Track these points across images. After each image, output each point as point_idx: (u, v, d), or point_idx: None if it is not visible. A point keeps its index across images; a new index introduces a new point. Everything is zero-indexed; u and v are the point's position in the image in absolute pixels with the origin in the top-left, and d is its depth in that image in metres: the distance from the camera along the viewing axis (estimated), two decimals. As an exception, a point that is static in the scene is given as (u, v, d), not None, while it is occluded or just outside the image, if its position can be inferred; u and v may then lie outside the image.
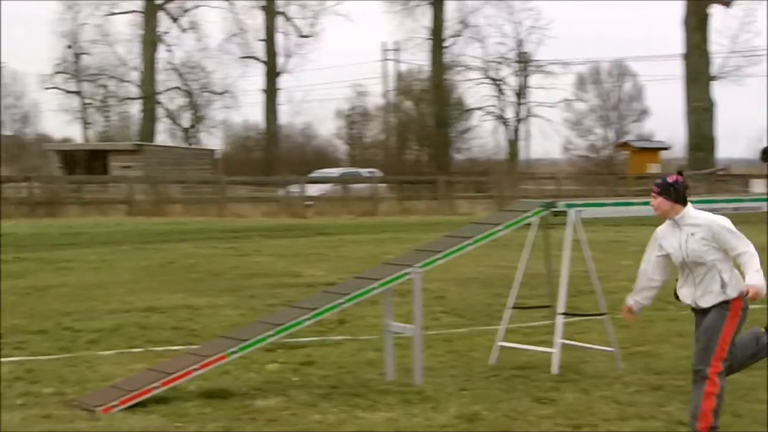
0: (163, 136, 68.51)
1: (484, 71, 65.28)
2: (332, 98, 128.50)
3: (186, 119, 72.65)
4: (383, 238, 25.44)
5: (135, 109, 68.92)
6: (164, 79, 68.03)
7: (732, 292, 7.05)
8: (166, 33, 65.68)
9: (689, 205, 7.21)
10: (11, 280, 16.35)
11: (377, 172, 45.53)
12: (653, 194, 7.23)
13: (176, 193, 36.58)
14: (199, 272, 17.69)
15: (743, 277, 7.03)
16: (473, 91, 67.16)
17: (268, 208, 36.54)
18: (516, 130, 66.93)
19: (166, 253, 20.99)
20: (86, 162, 42.45)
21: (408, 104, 67.46)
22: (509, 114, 67.17)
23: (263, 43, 64.09)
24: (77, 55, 70.72)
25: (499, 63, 65.60)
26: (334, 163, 62.20)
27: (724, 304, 7.05)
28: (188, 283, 16.32)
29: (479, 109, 65.58)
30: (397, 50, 66.44)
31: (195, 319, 12.71)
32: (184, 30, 66.54)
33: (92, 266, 18.66)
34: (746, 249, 7.02)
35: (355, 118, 73.83)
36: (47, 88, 71.10)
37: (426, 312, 10.05)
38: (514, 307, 10.03)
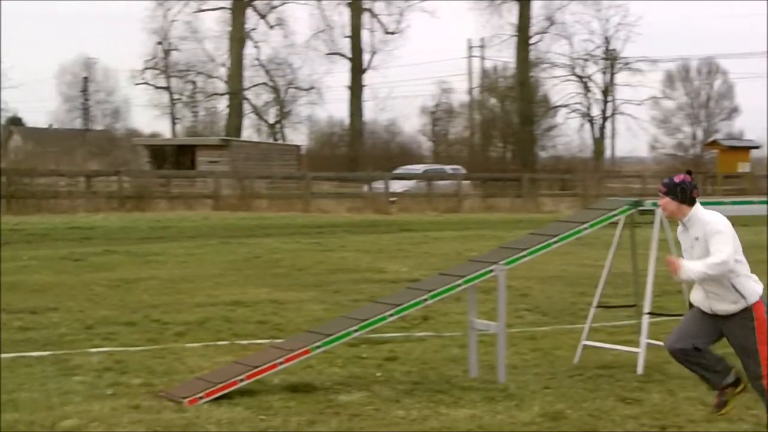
0: (249, 131, 69.14)
1: (570, 68, 64.81)
2: (417, 95, 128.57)
3: (272, 115, 73.24)
4: (467, 235, 25.40)
5: (222, 104, 69.61)
6: (251, 75, 68.61)
7: (751, 296, 6.88)
8: (253, 29, 66.24)
9: (697, 206, 7.03)
10: (102, 273, 16.66)
11: (461, 169, 45.41)
12: (660, 194, 7.08)
13: (262, 189, 36.87)
14: (283, 267, 17.84)
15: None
16: (559, 88, 66.69)
17: (353, 204, 36.68)
18: (602, 128, 66.34)
19: (252, 248, 21.20)
20: (174, 157, 43.02)
21: (493, 101, 67.21)
22: (595, 111, 66.60)
23: (349, 39, 64.30)
24: (167, 52, 71.67)
25: (586, 60, 65.07)
26: (418, 159, 62.16)
27: (745, 314, 6.87)
28: (273, 277, 16.47)
29: (565, 106, 65.14)
30: (482, 47, 66.25)
31: (280, 313, 12.83)
32: (271, 26, 67.04)
33: (179, 260, 18.91)
34: (717, 254, 6.76)
35: (439, 115, 73.82)
36: (137, 84, 72.18)
37: (510, 310, 10.03)
38: (598, 306, 9.96)
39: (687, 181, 7.04)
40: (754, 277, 6.94)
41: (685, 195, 7.00)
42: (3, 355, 9.88)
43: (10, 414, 7.59)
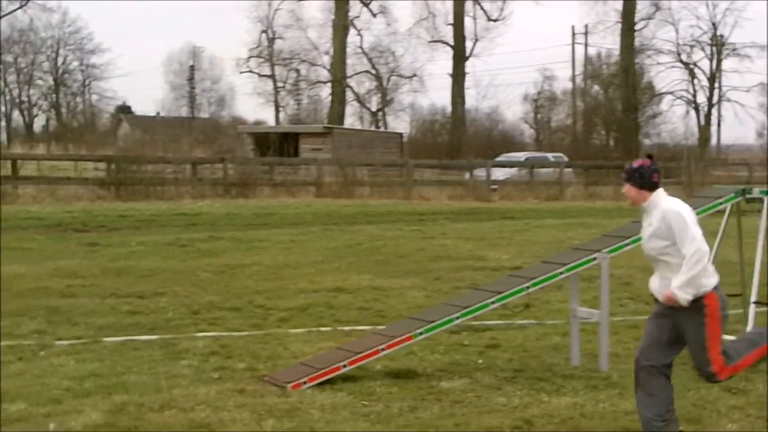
0: (351, 119, 69.63)
1: (675, 55, 63.83)
2: (519, 82, 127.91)
3: (374, 103, 73.57)
4: (568, 223, 25.21)
5: (325, 92, 70.14)
6: (354, 63, 69.04)
7: (702, 287, 6.52)
8: (356, 17, 66.58)
9: (659, 191, 6.73)
10: (207, 258, 16.94)
11: (563, 157, 45.05)
12: (623, 180, 6.83)
13: (364, 176, 37.03)
14: (385, 254, 17.93)
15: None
16: (664, 75, 66.03)
17: (454, 192, 36.64)
18: (707, 115, 65.23)
19: (353, 235, 21.34)
20: (278, 144, 43.40)
21: (596, 88, 66.55)
22: (701, 98, 65.52)
23: (452, 26, 64.19)
24: (271, 40, 72.50)
25: (692, 46, 64.01)
26: (519, 147, 61.92)
27: (695, 305, 6.52)
28: (375, 264, 16.56)
29: (670, 93, 64.19)
30: (586, 34, 65.59)
31: (381, 299, 12.90)
32: (374, 14, 67.32)
33: (282, 246, 19.12)
34: (691, 251, 6.44)
35: (542, 103, 73.36)
36: (242, 72, 73.18)
37: (612, 298, 9.94)
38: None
39: (646, 165, 6.76)
40: (710, 268, 6.59)
41: (644, 180, 6.71)
42: (112, 339, 10.14)
43: (120, 396, 7.79)
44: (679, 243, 6.52)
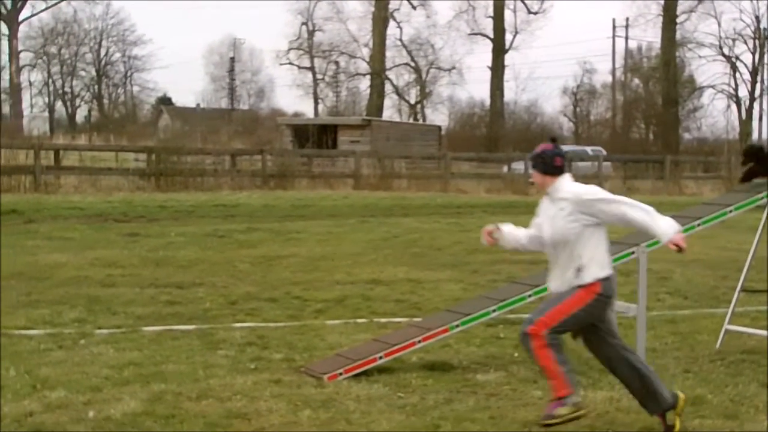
0: (390, 111, 69.69)
1: (717, 48, 63.33)
2: (558, 76, 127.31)
3: (413, 95, 73.56)
4: (607, 217, 25.06)
5: (364, 84, 70.27)
6: (393, 55, 69.08)
7: (587, 278, 6.47)
8: (396, 10, 66.60)
9: (564, 177, 6.61)
10: (245, 249, 17.03)
11: (602, 151, 44.85)
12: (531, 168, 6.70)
13: (401, 168, 37.07)
14: (421, 246, 17.94)
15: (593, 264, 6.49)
16: (705, 68, 65.59)
17: (492, 185, 36.59)
18: (749, 109, 64.68)
19: (390, 227, 21.36)
20: (316, 136, 43.51)
21: (636, 82, 66.16)
22: (743, 92, 64.96)
23: (491, 19, 64.05)
24: (311, 32, 72.63)
25: (734, 39, 63.48)
26: (558, 140, 61.67)
27: (580, 285, 6.49)
28: (411, 257, 16.57)
29: (711, 87, 63.70)
30: (627, 27, 65.22)
31: (417, 292, 12.92)
32: (414, 7, 67.32)
33: (320, 238, 19.18)
34: (625, 207, 6.49)
35: (581, 96, 73.03)
36: (282, 64, 73.44)
37: (649, 293, 9.90)
38: (743, 290, 9.77)
39: (548, 149, 6.65)
40: (606, 262, 6.55)
41: (546, 165, 6.61)
42: (151, 328, 10.23)
43: (158, 385, 7.86)
44: (609, 209, 6.47)
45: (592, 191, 6.57)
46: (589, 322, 6.63)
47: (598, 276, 6.49)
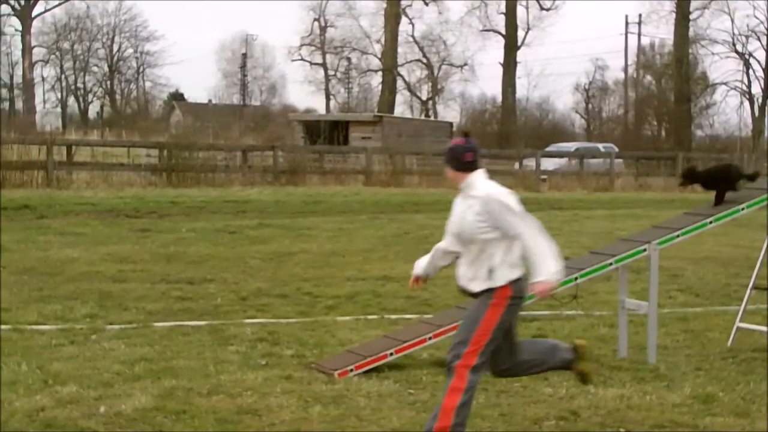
0: (402, 108, 69.72)
1: (731, 45, 63.15)
2: (571, 72, 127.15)
3: (425, 92, 73.55)
4: (618, 214, 25.07)
5: (376, 81, 70.32)
6: (405, 51, 69.08)
7: (499, 280, 6.22)
8: (408, 6, 66.59)
9: (477, 173, 6.33)
10: (256, 245, 17.04)
11: (614, 148, 44.77)
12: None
13: (413, 165, 37.04)
14: (433, 243, 17.69)
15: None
16: (718, 65, 65.37)
17: (503, 181, 35.83)
18: (762, 107, 64.45)
19: (401, 224, 21.36)
20: (328, 132, 43.52)
21: (649, 79, 66.03)
22: (756, 89, 64.77)
23: (504, 16, 63.98)
24: (323, 28, 72.69)
25: (748, 36, 63.30)
26: (570, 137, 61.66)
27: (489, 292, 6.25)
28: (422, 253, 16.39)
29: (723, 84, 63.53)
30: (640, 23, 65.09)
31: (428, 288, 12.85)
32: (426, 3, 67.27)
33: (330, 234, 19.18)
34: (527, 229, 6.19)
35: (593, 93, 72.92)
36: (294, 60, 73.57)
37: (661, 290, 9.89)
38: (755, 288, 9.74)
39: (459, 145, 6.38)
40: (517, 262, 6.30)
41: (456, 161, 6.33)
42: (162, 324, 10.25)
43: (169, 380, 7.87)
44: (507, 227, 6.19)
45: (504, 198, 6.31)
46: (509, 328, 6.44)
47: (509, 278, 6.26)
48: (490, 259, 6.26)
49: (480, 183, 6.36)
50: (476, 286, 6.34)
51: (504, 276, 6.25)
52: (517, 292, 6.29)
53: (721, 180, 9.20)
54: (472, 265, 6.34)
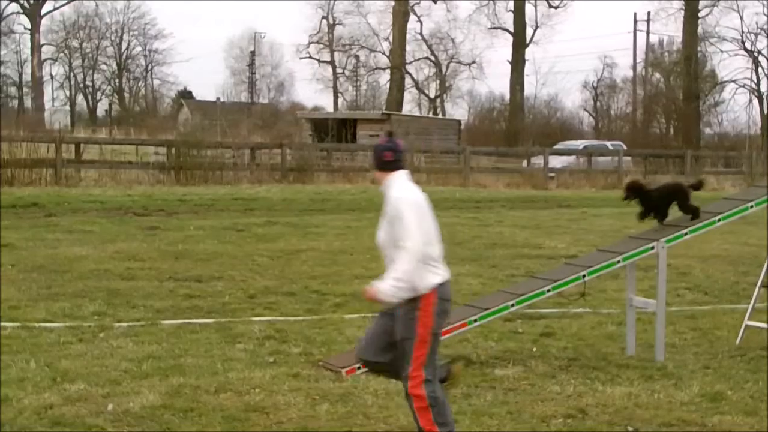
0: (410, 105, 69.68)
1: (739, 42, 62.98)
2: (579, 70, 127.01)
3: (433, 89, 73.50)
4: (626, 212, 24.86)
5: (384, 79, 70.30)
6: (413, 49, 69.05)
7: (422, 286, 6.03)
8: (417, 4, 66.56)
9: (396, 174, 6.17)
10: (263, 243, 17.04)
11: (622, 145, 44.69)
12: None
13: (421, 163, 37.01)
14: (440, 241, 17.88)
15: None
16: (727, 63, 65.23)
17: (511, 179, 36.52)
18: (772, 104, 64.26)
19: (410, 222, 21.30)
20: (336, 130, 43.50)
21: (657, 76, 65.91)
22: (764, 87, 64.62)
23: (512, 13, 63.92)
24: (331, 26, 72.70)
25: (757, 34, 63.09)
26: (578, 135, 61.58)
27: (412, 303, 6.03)
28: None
29: (732, 81, 63.35)
30: (648, 21, 64.98)
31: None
32: (435, 1, 67.19)
33: (338, 232, 19.17)
34: (405, 245, 5.93)
35: (601, 90, 72.81)
36: (302, 58, 73.56)
37: (669, 288, 9.88)
38: (764, 286, 9.72)
39: (379, 144, 6.24)
40: (437, 266, 6.13)
41: (377, 160, 6.19)
42: (170, 322, 10.25)
43: (177, 378, 7.88)
44: (396, 237, 6.00)
45: (401, 204, 6.06)
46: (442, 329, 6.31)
47: (432, 283, 6.08)
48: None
49: (396, 185, 6.18)
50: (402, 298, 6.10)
51: (427, 282, 6.06)
52: (443, 294, 6.13)
53: (672, 199, 9.13)
54: (389, 272, 6.11)
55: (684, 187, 9.25)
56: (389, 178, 6.22)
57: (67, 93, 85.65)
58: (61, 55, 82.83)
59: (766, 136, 59.71)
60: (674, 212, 9.24)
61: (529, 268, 14.23)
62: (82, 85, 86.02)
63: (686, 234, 8.92)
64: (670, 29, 67.92)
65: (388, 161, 6.22)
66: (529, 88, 68.00)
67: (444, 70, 72.13)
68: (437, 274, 6.12)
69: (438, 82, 72.95)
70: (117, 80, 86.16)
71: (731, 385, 7.94)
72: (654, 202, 9.15)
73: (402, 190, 6.14)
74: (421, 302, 6.07)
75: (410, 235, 5.96)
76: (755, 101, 63.79)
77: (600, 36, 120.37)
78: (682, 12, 58.70)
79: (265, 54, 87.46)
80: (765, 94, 63.62)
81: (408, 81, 68.92)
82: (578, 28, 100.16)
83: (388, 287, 5.96)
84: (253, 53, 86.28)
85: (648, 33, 65.87)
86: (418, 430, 6.15)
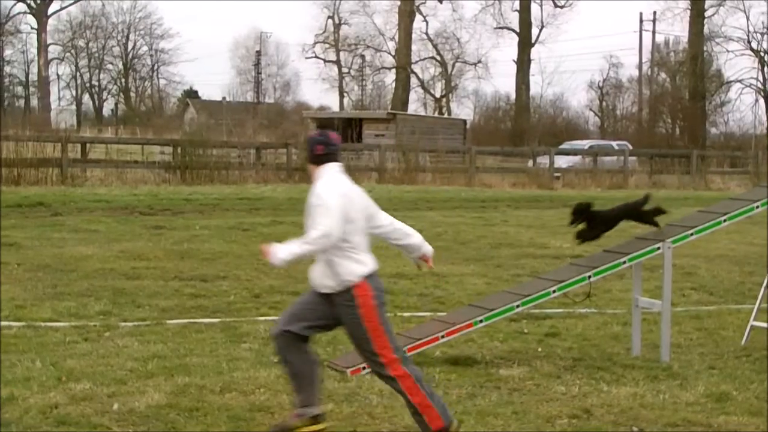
0: (415, 105, 69.67)
1: (746, 42, 62.90)
2: (585, 70, 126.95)
3: (438, 89, 73.49)
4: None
5: (389, 78, 70.32)
6: (419, 49, 69.06)
7: (346, 277, 6.16)
8: (423, 3, 66.57)
9: (325, 167, 6.23)
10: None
11: (628, 145, 44.65)
12: None
13: (426, 162, 37.01)
14: (446, 240, 17.90)
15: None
16: (733, 62, 65.19)
17: (516, 179, 36.51)
18: (777, 104, 64.17)
19: (414, 221, 21.26)
20: (341, 130, 43.52)
21: (663, 76, 65.85)
22: (771, 87, 64.45)
23: (518, 13, 63.91)
24: (337, 26, 72.73)
25: (763, 34, 63.02)
26: (583, 134, 61.55)
27: (348, 299, 6.18)
28: (435, 250, 16.43)
29: (738, 81, 63.27)
30: (654, 20, 64.94)
31: (441, 286, 12.91)
32: (440, 0, 67.20)
33: (344, 231, 19.14)
34: (311, 230, 6.08)
35: (607, 90, 72.77)
36: (308, 58, 73.61)
37: (674, 288, 9.87)
38: (769, 287, 9.71)
39: (310, 137, 6.32)
40: (362, 257, 6.20)
41: (309, 152, 6.28)
42: (175, 321, 10.27)
43: (182, 378, 7.89)
44: (310, 225, 6.08)
45: (317, 196, 6.16)
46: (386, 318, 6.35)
47: (358, 272, 6.20)
48: (330, 254, 6.18)
49: (323, 177, 6.23)
50: (326, 286, 6.28)
51: (349, 271, 6.17)
52: (376, 284, 6.26)
53: (628, 218, 9.05)
54: (318, 263, 6.29)
55: (634, 206, 9.15)
56: (318, 171, 6.27)
57: (74, 92, 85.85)
58: (68, 54, 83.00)
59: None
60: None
61: (534, 267, 14.23)
62: (88, 85, 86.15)
63: (692, 234, 8.91)
64: (676, 29, 67.96)
65: (319, 155, 6.29)
66: (534, 88, 68.25)
67: (449, 69, 72.13)
68: (363, 264, 6.21)
69: (443, 81, 72.94)
70: (123, 80, 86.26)
71: (737, 385, 7.94)
72: (603, 224, 9.02)
73: (325, 185, 6.20)
74: (359, 300, 6.20)
75: (322, 220, 6.05)
76: (761, 101, 63.71)
77: (606, 36, 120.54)
78: (688, 12, 58.65)
79: (270, 54, 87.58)
80: (771, 93, 63.57)
81: (413, 81, 68.96)
82: (584, 27, 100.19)
83: (281, 251, 6.14)
84: (258, 53, 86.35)
85: (654, 33, 65.92)
86: (413, 411, 6.27)
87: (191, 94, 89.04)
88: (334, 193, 6.16)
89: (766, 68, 63.53)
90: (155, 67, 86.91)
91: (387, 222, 6.61)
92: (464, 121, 51.82)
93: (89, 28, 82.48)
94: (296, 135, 46.48)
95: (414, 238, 6.76)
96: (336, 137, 6.38)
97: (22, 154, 28.86)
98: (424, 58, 71.05)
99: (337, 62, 74.98)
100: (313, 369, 6.53)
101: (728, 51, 63.40)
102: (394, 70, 66.97)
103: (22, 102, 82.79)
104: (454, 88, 73.30)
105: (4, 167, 27.94)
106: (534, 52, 64.22)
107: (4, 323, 9.84)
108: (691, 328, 10.28)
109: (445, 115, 65.56)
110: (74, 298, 11.42)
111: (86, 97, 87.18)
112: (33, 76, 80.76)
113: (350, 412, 7.14)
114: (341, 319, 6.31)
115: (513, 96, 65.30)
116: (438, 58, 71.68)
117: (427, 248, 6.83)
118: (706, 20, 59.05)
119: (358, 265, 6.21)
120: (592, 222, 8.99)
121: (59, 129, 47.73)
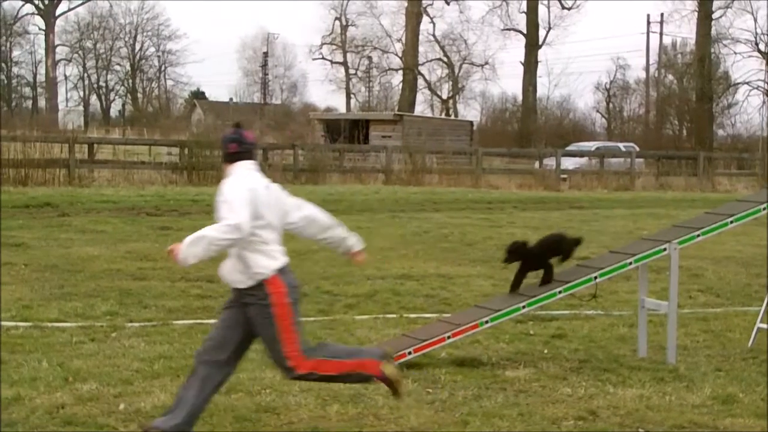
0: (422, 106, 69.71)
1: (753, 44, 62.81)
2: (592, 71, 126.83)
3: (445, 91, 73.49)
4: (638, 213, 24.98)
5: (396, 80, 70.35)
6: (426, 50, 69.09)
7: (258, 271, 6.09)
8: (430, 5, 66.58)
9: (237, 165, 6.16)
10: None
11: (635, 147, 44.63)
12: None
13: (433, 164, 37.01)
14: (452, 242, 17.91)
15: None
16: (740, 64, 65.13)
17: (523, 180, 36.50)
18: (785, 106, 64.05)
19: (421, 222, 21.34)
20: (348, 131, 43.53)
21: (670, 78, 65.80)
22: (778, 88, 64.33)
23: (525, 15, 63.89)
24: (344, 27, 72.77)
25: (770, 35, 62.91)
26: (590, 136, 61.50)
27: (260, 293, 6.10)
28: (441, 252, 16.55)
29: (746, 83, 63.18)
30: (662, 22, 64.87)
31: (447, 287, 12.91)
32: (448, 2, 67.22)
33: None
34: (220, 219, 5.96)
35: (614, 92, 72.71)
36: (315, 59, 73.69)
37: (681, 290, 9.86)
38: (775, 289, 9.70)
39: (225, 135, 6.26)
40: (274, 251, 6.16)
41: (223, 150, 6.24)
42: (182, 322, 10.28)
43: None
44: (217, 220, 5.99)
45: (222, 192, 6.09)
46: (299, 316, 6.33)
47: (271, 267, 6.15)
48: (243, 251, 6.10)
49: (233, 175, 6.16)
50: (238, 282, 6.19)
51: (261, 266, 6.11)
52: (289, 280, 6.22)
53: (555, 251, 8.99)
54: (229, 259, 6.20)
55: (562, 242, 9.09)
56: (230, 169, 6.22)
57: (81, 93, 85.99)
58: (75, 55, 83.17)
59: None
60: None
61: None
62: (95, 86, 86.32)
63: (698, 235, 8.90)
64: (683, 31, 67.91)
65: (232, 153, 6.22)
66: (541, 89, 68.06)
67: (456, 71, 72.13)
68: (274, 258, 6.15)
69: (450, 83, 72.95)
70: (130, 81, 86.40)
71: (743, 387, 7.93)
72: (536, 258, 8.98)
73: (232, 182, 6.12)
74: (273, 298, 6.15)
75: (228, 215, 5.95)
76: (769, 103, 63.59)
77: (613, 37, 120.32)
78: (696, 13, 58.62)
79: (278, 55, 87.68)
80: (778, 95, 63.46)
81: (420, 82, 68.95)
82: (591, 29, 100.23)
83: (183, 244, 6.03)
84: (266, 54, 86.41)
85: (661, 34, 65.83)
86: (349, 381, 6.40)
87: (198, 95, 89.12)
88: (241, 188, 6.07)
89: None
90: (162, 68, 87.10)
91: (298, 218, 6.54)
92: (471, 123, 51.81)
93: (97, 29, 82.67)
94: (303, 136, 46.54)
95: (334, 231, 6.69)
96: (251, 136, 6.34)
97: (29, 154, 28.91)
98: (431, 60, 71.14)
99: (344, 63, 75.02)
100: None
101: (735, 53, 63.37)
102: (401, 72, 66.98)
103: (29, 103, 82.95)
104: (461, 90, 73.31)
105: (11, 168, 28.00)
106: (541, 54, 64.26)
107: (11, 323, 9.86)
108: (697, 329, 10.27)
109: (452, 117, 65.57)
110: (81, 298, 11.44)
111: (94, 98, 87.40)
112: (41, 77, 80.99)
113: (356, 413, 7.14)
114: (252, 320, 6.22)
115: (520, 97, 65.28)
116: (445, 59, 71.70)
117: (352, 242, 6.73)
118: (713, 22, 59.03)
119: (269, 259, 6.13)
120: (526, 261, 8.93)
121: (67, 130, 47.82)
